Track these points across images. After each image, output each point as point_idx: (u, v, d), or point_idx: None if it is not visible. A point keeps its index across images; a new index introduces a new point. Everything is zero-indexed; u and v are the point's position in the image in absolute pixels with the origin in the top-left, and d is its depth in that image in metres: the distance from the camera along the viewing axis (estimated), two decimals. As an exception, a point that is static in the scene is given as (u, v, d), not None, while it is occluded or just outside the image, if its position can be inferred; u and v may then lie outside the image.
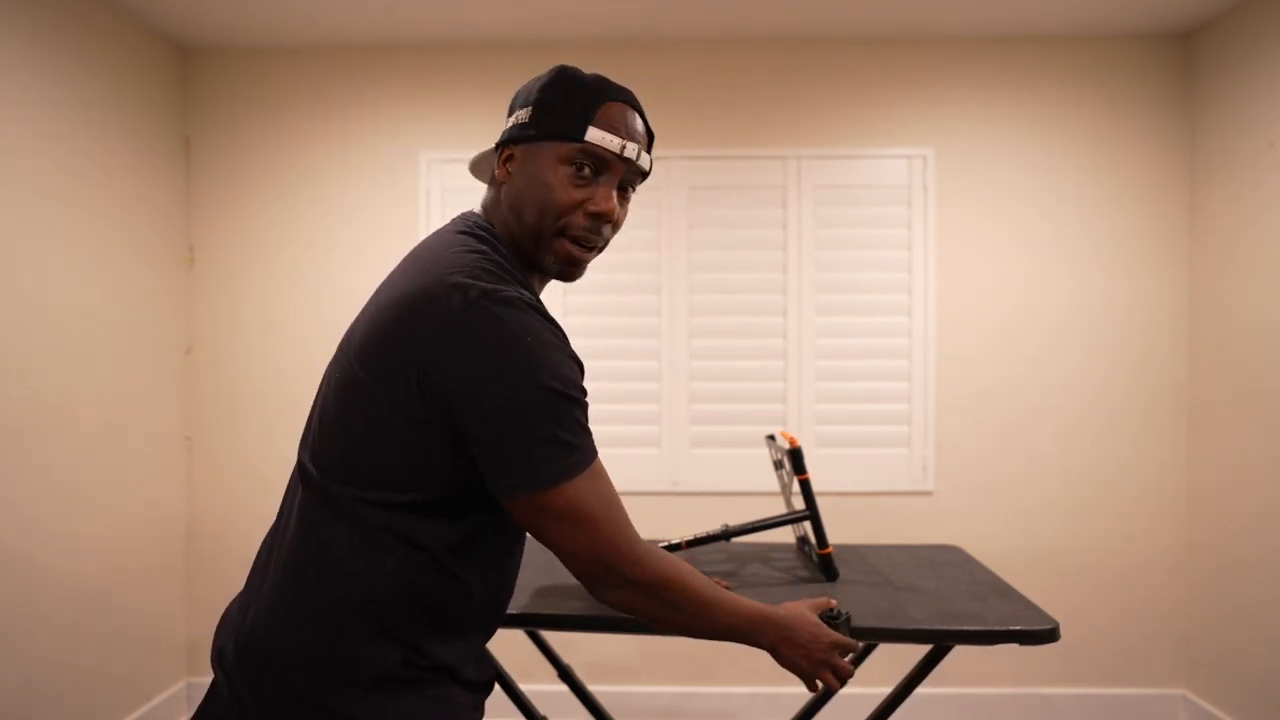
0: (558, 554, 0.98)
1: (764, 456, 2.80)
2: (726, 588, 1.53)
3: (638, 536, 1.00)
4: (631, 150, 1.04)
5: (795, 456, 1.59)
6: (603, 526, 0.96)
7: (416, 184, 2.96)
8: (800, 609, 1.16)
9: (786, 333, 2.91)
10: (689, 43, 2.92)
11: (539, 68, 3.22)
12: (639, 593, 1.00)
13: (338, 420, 0.99)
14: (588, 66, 1.07)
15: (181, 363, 2.97)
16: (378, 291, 1.03)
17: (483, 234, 1.04)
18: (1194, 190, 2.86)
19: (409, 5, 2.64)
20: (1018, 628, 1.34)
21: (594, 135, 1.02)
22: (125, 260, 2.68)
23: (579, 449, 0.94)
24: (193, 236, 3.00)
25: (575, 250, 1.05)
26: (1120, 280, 2.89)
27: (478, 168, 1.19)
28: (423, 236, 2.92)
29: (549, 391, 0.92)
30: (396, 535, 0.96)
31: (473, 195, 2.94)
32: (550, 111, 1.03)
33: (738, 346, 2.93)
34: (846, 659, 1.18)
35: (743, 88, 2.93)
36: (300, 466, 1.03)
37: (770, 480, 2.67)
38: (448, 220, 1.11)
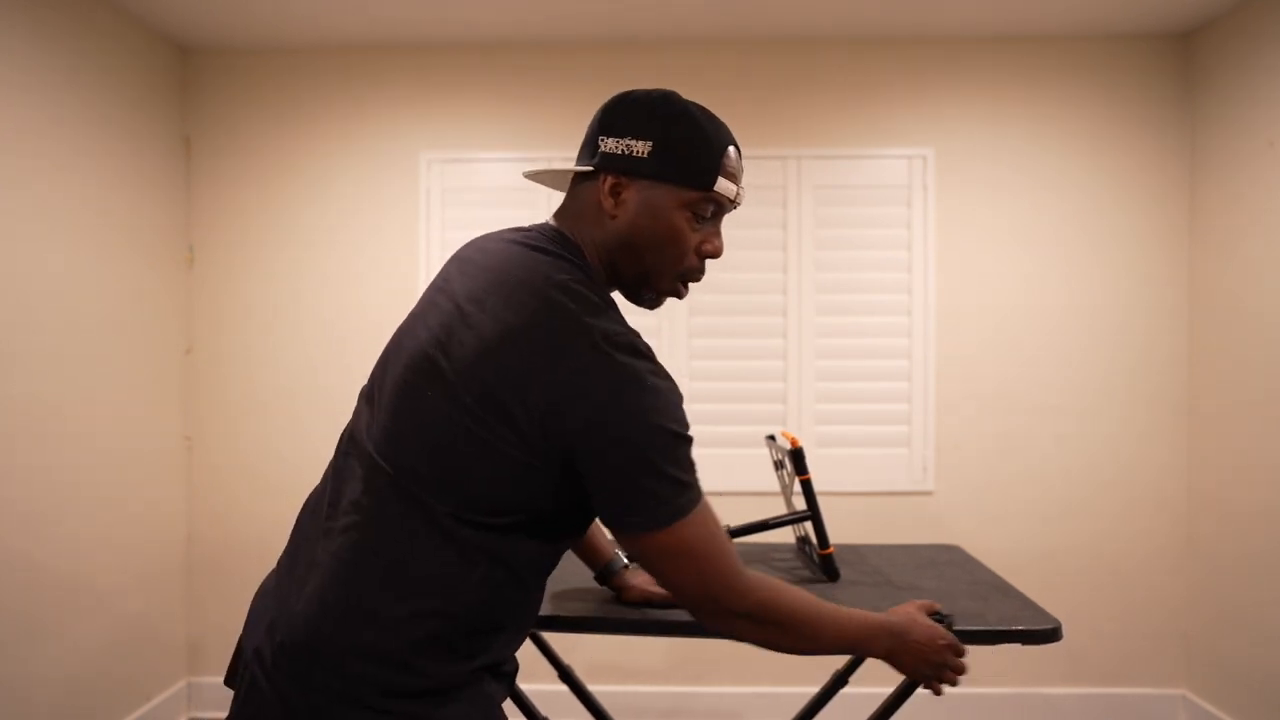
0: (667, 586, 1.01)
1: (764, 456, 2.80)
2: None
3: (743, 566, 1.02)
4: (742, 194, 1.09)
5: (797, 457, 1.59)
6: (712, 562, 0.99)
7: (416, 184, 2.96)
8: (910, 610, 1.16)
9: (786, 333, 2.91)
10: (689, 43, 2.92)
11: (539, 68, 3.21)
12: (748, 621, 1.02)
13: (439, 439, 0.97)
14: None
15: (181, 363, 2.97)
16: (467, 306, 1.00)
17: (573, 259, 1.05)
18: (1194, 190, 2.86)
19: (409, 5, 2.64)
20: (1020, 627, 1.34)
21: (720, 185, 1.05)
22: (125, 260, 2.67)
23: (692, 486, 0.98)
24: (193, 236, 3.00)
25: (682, 292, 1.11)
26: (1120, 280, 2.89)
27: (541, 177, 1.17)
28: (422, 236, 2.94)
29: (669, 433, 0.96)
30: (486, 552, 0.97)
31: (472, 195, 2.95)
32: (677, 156, 1.03)
33: (738, 346, 2.93)
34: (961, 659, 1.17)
35: (743, 88, 2.93)
36: (372, 464, 1.00)
37: (770, 480, 2.67)
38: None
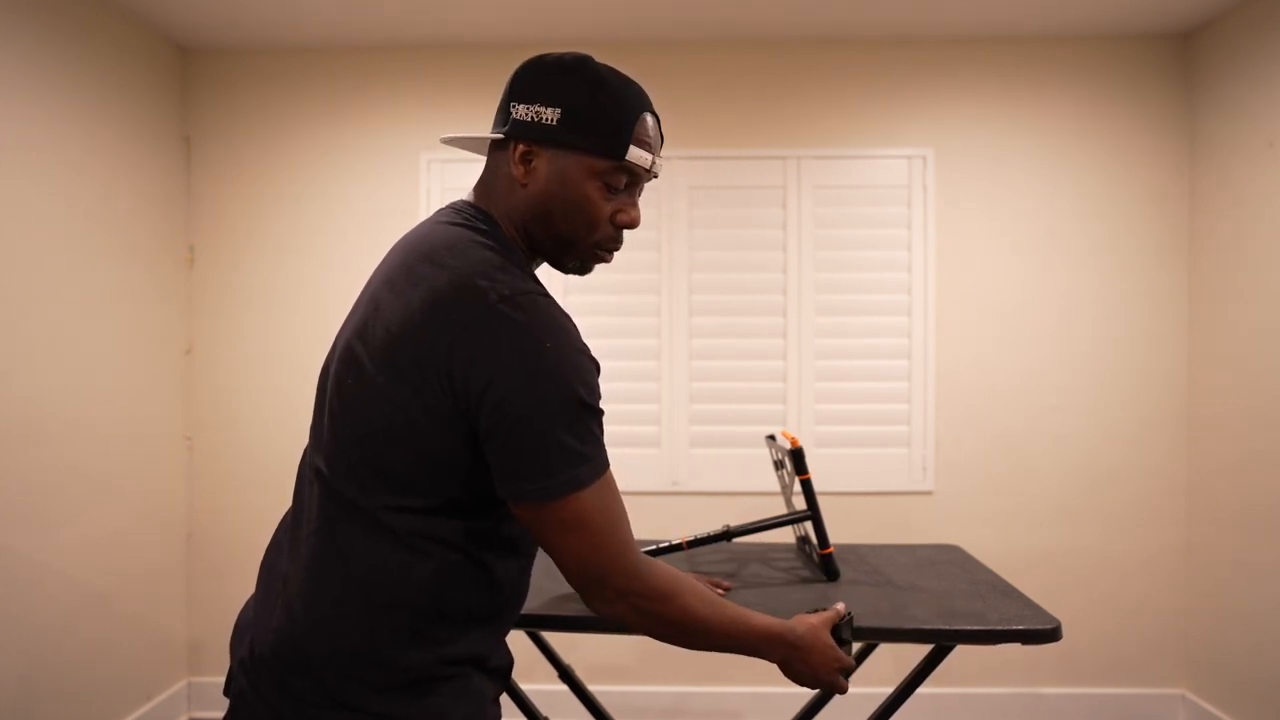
0: (556, 561, 0.97)
1: (764, 456, 2.80)
2: (728, 589, 1.54)
3: (638, 551, 0.99)
4: (659, 165, 1.06)
5: (797, 457, 1.59)
6: (602, 538, 0.95)
7: (416, 184, 2.96)
8: (815, 625, 1.16)
9: (786, 333, 2.91)
10: (689, 43, 2.92)
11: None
12: (632, 607, 0.99)
13: (359, 428, 0.96)
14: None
15: (181, 363, 2.97)
16: (380, 291, 1.01)
17: (486, 228, 1.03)
18: (1194, 190, 2.86)
19: (410, 5, 2.64)
20: (1020, 627, 1.34)
21: (632, 154, 1.01)
22: (125, 260, 2.67)
23: (591, 460, 0.94)
24: (193, 236, 3.00)
25: (604, 258, 1.08)
26: (1120, 280, 2.89)
27: (460, 143, 1.16)
28: (423, 236, 2.93)
29: (572, 400, 0.92)
30: (430, 539, 0.96)
31: (473, 195, 2.94)
32: (586, 123, 1.00)
33: (738, 346, 2.93)
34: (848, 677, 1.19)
35: (743, 88, 2.93)
36: (317, 472, 1.01)
37: (770, 480, 2.67)
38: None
